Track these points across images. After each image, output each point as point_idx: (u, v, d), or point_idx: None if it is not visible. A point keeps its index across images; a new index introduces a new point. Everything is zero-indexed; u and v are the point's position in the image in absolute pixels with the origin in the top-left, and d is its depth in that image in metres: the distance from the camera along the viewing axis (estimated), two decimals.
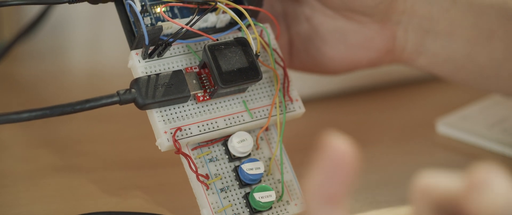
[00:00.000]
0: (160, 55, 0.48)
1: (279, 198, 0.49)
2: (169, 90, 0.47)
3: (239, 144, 0.48)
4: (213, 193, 0.47)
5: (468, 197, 0.30)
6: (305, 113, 0.51)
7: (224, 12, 0.49)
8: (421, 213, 0.32)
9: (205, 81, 0.48)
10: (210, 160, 0.48)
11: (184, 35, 0.48)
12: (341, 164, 0.32)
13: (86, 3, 0.48)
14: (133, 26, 0.49)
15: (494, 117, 0.65)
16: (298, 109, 0.51)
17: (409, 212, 0.33)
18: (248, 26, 0.49)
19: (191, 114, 0.48)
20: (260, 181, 0.49)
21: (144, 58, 0.48)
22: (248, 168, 0.48)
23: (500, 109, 0.67)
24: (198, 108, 0.48)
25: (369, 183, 0.55)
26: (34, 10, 0.70)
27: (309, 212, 0.33)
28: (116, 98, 0.46)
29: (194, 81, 0.48)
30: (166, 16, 0.47)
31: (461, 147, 0.62)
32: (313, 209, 0.33)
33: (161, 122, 0.47)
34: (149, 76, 0.47)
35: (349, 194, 0.32)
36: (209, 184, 0.47)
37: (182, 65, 0.49)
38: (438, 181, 0.32)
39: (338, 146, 0.32)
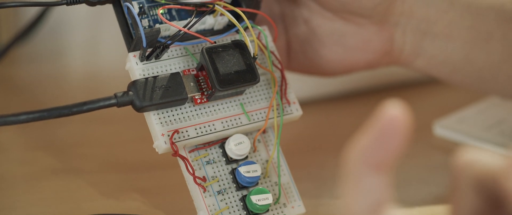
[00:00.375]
0: (157, 57, 0.48)
1: (276, 200, 0.49)
2: (166, 92, 0.47)
3: (236, 146, 0.48)
4: (210, 196, 0.47)
5: (507, 175, 0.30)
6: (303, 115, 0.51)
7: (221, 14, 0.49)
8: (460, 188, 0.32)
9: (202, 83, 0.48)
10: (207, 163, 0.48)
11: (182, 37, 0.48)
12: (392, 129, 0.31)
13: (84, 5, 0.48)
14: (131, 28, 0.49)
15: (491, 119, 0.65)
16: (295, 111, 0.51)
17: (448, 187, 0.33)
18: (246, 28, 0.50)
19: (188, 116, 0.48)
20: (257, 184, 0.49)
21: (141, 61, 0.48)
22: (245, 171, 0.48)
23: (498, 111, 0.67)
24: (195, 110, 0.48)
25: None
26: (31, 12, 0.70)
27: (351, 177, 0.32)
28: (113, 101, 0.47)
29: (192, 83, 0.48)
30: (164, 19, 0.47)
31: (458, 149, 0.62)
32: (357, 174, 0.31)
33: (159, 124, 0.47)
34: (146, 78, 0.47)
35: (395, 165, 0.31)
36: (206, 187, 0.47)
37: (179, 67, 0.49)
38: (480, 157, 0.32)
39: (392, 112, 0.31)
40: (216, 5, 0.48)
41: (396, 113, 0.31)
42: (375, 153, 0.31)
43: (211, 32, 0.50)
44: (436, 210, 0.53)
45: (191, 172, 0.47)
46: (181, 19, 0.50)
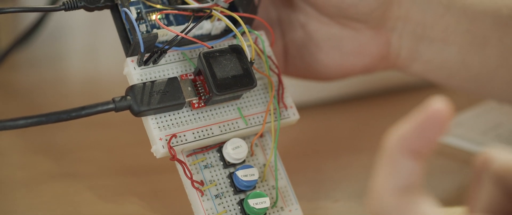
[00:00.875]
0: (155, 62, 0.48)
1: (274, 204, 0.49)
2: (164, 97, 0.47)
3: (234, 150, 0.48)
4: (208, 199, 0.48)
5: None
6: (300, 120, 0.51)
7: (219, 19, 0.50)
8: (482, 180, 0.34)
9: (200, 88, 0.49)
10: (205, 167, 0.49)
11: (179, 42, 0.48)
12: (436, 121, 0.32)
13: (82, 10, 0.49)
14: (128, 34, 0.49)
15: (488, 123, 0.66)
16: (292, 115, 0.51)
17: (470, 181, 0.34)
18: (243, 33, 0.50)
19: (186, 121, 0.48)
20: (254, 188, 0.49)
21: (139, 65, 0.48)
22: (243, 175, 0.48)
23: (494, 115, 0.67)
24: (193, 114, 0.48)
25: (367, 189, 0.56)
26: (30, 17, 0.70)
27: (387, 158, 0.33)
28: (111, 106, 0.47)
29: (189, 88, 0.48)
30: (161, 24, 0.48)
31: (456, 153, 0.62)
32: (393, 156, 0.33)
33: (156, 128, 0.47)
34: (144, 83, 0.47)
35: (430, 156, 0.33)
36: (204, 191, 0.48)
37: (177, 72, 0.49)
38: (500, 154, 0.34)
39: (439, 105, 0.33)
40: (213, 10, 0.49)
41: (442, 107, 0.33)
42: (415, 140, 0.33)
43: (208, 37, 0.51)
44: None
45: (189, 176, 0.47)
46: (178, 24, 0.50)
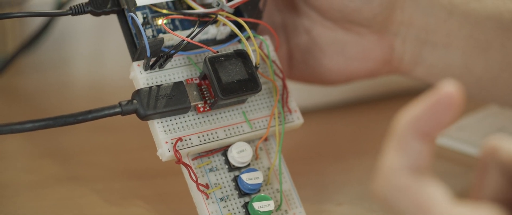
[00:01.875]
0: (161, 66, 0.49)
1: (278, 207, 0.50)
2: (170, 101, 0.48)
3: (239, 154, 0.49)
4: (213, 202, 0.48)
5: None
6: (304, 124, 0.52)
7: (224, 24, 0.50)
8: (487, 168, 0.34)
9: (205, 92, 0.49)
10: (210, 170, 0.49)
11: (185, 47, 0.48)
12: (447, 104, 0.33)
13: (89, 15, 0.49)
14: (135, 38, 0.49)
15: (491, 127, 0.66)
16: (296, 119, 0.51)
17: (476, 168, 0.35)
18: (248, 38, 0.50)
19: (191, 125, 0.49)
20: (259, 191, 0.49)
21: (145, 70, 0.48)
22: (247, 178, 0.48)
23: (497, 119, 0.67)
24: (198, 118, 0.49)
25: (370, 192, 0.56)
26: (37, 22, 0.71)
27: (397, 139, 0.33)
28: (118, 109, 0.47)
29: (195, 92, 0.49)
30: (167, 28, 0.48)
31: (458, 157, 0.62)
32: (403, 136, 0.33)
33: (162, 132, 0.48)
34: (150, 87, 0.48)
35: (438, 138, 0.33)
36: (209, 194, 0.48)
37: (183, 76, 0.49)
38: (507, 144, 0.34)
39: (450, 89, 0.33)
40: (218, 15, 0.49)
41: (454, 90, 0.33)
42: (426, 122, 0.33)
43: (213, 41, 0.51)
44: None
45: (194, 179, 0.48)
46: (184, 29, 0.51)
